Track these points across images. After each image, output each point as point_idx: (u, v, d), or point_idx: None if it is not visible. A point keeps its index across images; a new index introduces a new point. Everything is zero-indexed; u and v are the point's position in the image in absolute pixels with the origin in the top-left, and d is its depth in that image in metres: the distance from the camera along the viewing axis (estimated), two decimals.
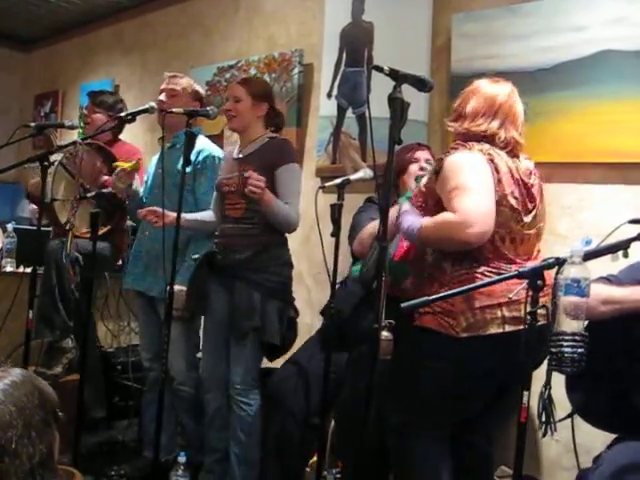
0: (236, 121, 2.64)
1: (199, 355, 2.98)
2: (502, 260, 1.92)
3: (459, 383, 1.94)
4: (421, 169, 2.49)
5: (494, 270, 1.89)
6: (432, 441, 2.02)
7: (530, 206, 1.98)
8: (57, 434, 1.28)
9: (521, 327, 1.77)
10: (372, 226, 2.39)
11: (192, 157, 2.76)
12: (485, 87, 2.03)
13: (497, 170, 1.91)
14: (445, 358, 1.92)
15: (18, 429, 1.14)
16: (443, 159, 1.95)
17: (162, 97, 2.86)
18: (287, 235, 2.68)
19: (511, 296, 1.77)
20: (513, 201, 1.93)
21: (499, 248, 1.91)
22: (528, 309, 1.55)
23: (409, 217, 1.97)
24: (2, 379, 1.20)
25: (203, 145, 2.88)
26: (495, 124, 1.97)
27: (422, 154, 2.58)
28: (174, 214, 2.43)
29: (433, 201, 1.98)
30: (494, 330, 1.85)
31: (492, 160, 1.92)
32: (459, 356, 1.89)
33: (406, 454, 2.03)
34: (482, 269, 1.89)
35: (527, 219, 1.97)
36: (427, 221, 1.92)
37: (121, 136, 3.52)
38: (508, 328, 1.84)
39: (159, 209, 2.57)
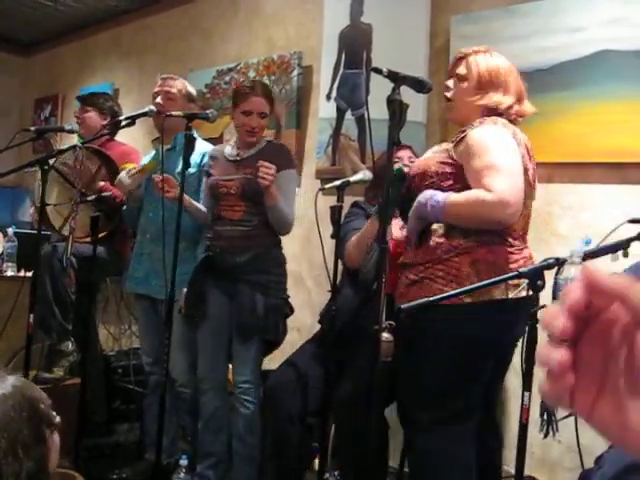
0: (258, 135, 2.65)
1: None
2: (509, 230, 1.93)
3: (467, 359, 1.93)
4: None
5: (498, 237, 1.90)
6: (459, 435, 1.99)
7: (535, 177, 2.01)
8: (55, 440, 1.25)
9: (523, 294, 1.81)
10: (355, 238, 2.46)
11: (197, 159, 2.81)
12: (501, 60, 2.06)
13: (519, 144, 1.92)
14: (452, 335, 1.90)
15: (2, 447, 1.11)
16: (466, 131, 1.94)
17: (159, 100, 2.85)
18: (287, 237, 2.70)
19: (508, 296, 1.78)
20: (530, 176, 1.95)
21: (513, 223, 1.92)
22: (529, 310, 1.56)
23: (429, 191, 1.92)
24: None
25: (208, 148, 2.90)
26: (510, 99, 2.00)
27: (404, 153, 2.59)
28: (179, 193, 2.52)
29: (451, 169, 1.95)
30: (498, 296, 1.85)
31: (515, 135, 1.92)
32: (465, 326, 1.88)
33: (436, 452, 1.98)
34: (487, 238, 1.89)
35: (531, 189, 1.99)
36: (456, 196, 1.87)
37: (120, 138, 3.53)
38: (511, 294, 1.85)
39: (173, 180, 2.57)
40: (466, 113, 2.02)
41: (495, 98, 1.99)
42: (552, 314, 0.50)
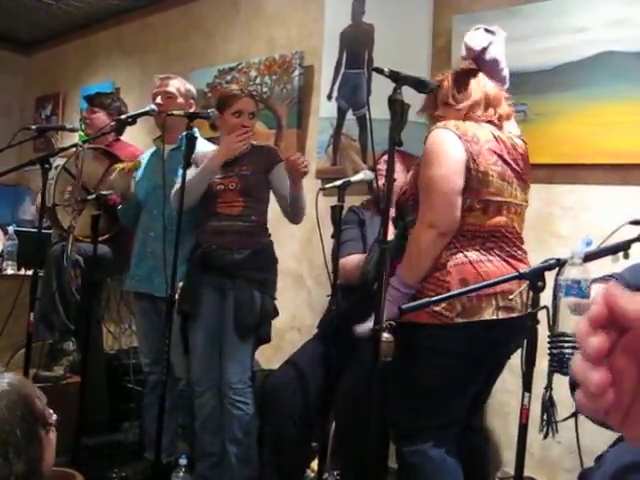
0: (251, 137, 2.69)
1: None
2: (498, 233, 1.95)
3: (458, 373, 1.95)
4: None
5: (487, 253, 1.93)
6: (443, 442, 2.00)
7: (524, 173, 2.02)
8: (52, 440, 1.24)
9: (512, 315, 1.86)
10: (356, 258, 2.53)
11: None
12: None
13: (475, 142, 1.92)
14: (442, 350, 1.92)
15: None
16: (427, 136, 1.99)
17: (159, 100, 2.87)
18: (288, 236, 2.71)
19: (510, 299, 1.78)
20: (499, 168, 1.94)
21: (496, 219, 1.94)
22: (529, 310, 1.56)
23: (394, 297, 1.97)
24: None
25: (212, 147, 2.91)
26: (490, 111, 2.02)
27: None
28: None
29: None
30: (488, 316, 1.87)
31: (465, 135, 1.92)
32: (454, 344, 1.90)
33: (422, 459, 1.99)
34: (474, 255, 1.92)
35: (522, 185, 2.00)
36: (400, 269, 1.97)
37: (122, 138, 3.53)
38: (501, 315, 1.88)
39: None
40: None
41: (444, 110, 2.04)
42: (584, 331, 0.49)
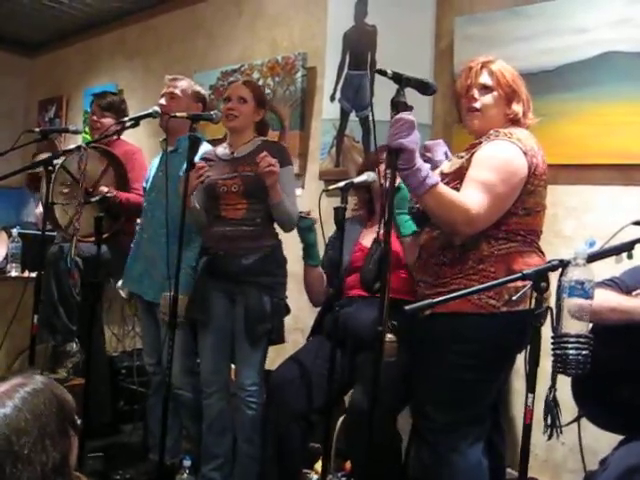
0: (237, 121, 2.63)
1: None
2: (533, 232, 1.98)
3: (491, 363, 1.94)
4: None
5: (529, 246, 1.95)
6: (480, 441, 1.98)
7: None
8: (75, 441, 1.30)
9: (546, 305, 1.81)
10: None
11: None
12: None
13: (534, 156, 1.92)
14: (483, 340, 1.90)
15: (32, 436, 1.17)
16: (482, 143, 1.95)
17: (162, 101, 2.85)
18: (291, 238, 2.69)
19: (515, 298, 1.78)
20: (546, 177, 1.97)
21: (535, 221, 1.99)
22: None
23: (426, 169, 1.85)
24: (23, 386, 1.23)
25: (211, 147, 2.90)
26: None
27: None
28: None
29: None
30: (527, 306, 1.82)
31: (531, 150, 1.91)
32: (498, 334, 1.89)
33: (459, 457, 1.96)
34: (518, 245, 1.93)
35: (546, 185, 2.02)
36: (444, 188, 1.85)
37: (124, 139, 3.53)
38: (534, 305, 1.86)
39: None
40: (494, 123, 2.01)
41: (514, 107, 2.00)
42: None
